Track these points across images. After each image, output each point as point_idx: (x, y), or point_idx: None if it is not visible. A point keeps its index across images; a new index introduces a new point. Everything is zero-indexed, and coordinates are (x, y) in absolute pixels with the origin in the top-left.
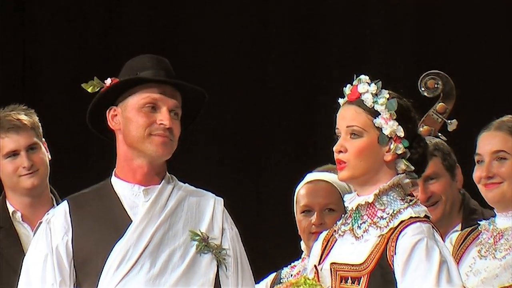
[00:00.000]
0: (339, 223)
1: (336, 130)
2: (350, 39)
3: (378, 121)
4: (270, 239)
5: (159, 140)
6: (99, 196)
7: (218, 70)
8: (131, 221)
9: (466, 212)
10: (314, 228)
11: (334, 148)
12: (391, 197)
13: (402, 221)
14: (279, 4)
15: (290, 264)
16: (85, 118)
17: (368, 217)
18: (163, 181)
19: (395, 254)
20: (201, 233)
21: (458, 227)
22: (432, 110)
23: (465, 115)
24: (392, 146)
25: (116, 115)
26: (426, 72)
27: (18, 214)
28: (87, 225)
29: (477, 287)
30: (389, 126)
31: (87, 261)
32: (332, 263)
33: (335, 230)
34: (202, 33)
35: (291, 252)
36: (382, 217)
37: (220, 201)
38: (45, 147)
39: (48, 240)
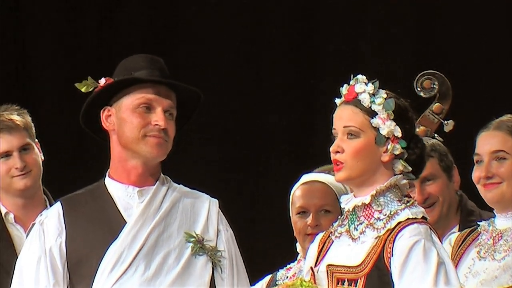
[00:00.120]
0: (335, 224)
1: (333, 131)
2: (350, 39)
3: (375, 121)
4: (267, 240)
5: (154, 141)
6: (93, 197)
7: (218, 70)
8: (125, 222)
9: (463, 213)
10: (309, 229)
11: (331, 149)
12: (388, 198)
13: (399, 223)
14: (279, 4)
15: (286, 266)
16: (79, 118)
17: (365, 218)
18: (157, 182)
19: (392, 255)
20: (196, 234)
21: (456, 228)
22: (428, 111)
23: (464, 115)
24: (389, 147)
25: (110, 115)
26: (422, 72)
27: (11, 216)
28: (81, 227)
29: None
30: (387, 126)
31: (81, 263)
32: (328, 265)
33: (331, 232)
34: (202, 33)
35: (289, 254)
36: (379, 218)
37: (215, 202)
38: (38, 148)
39: (42, 241)
